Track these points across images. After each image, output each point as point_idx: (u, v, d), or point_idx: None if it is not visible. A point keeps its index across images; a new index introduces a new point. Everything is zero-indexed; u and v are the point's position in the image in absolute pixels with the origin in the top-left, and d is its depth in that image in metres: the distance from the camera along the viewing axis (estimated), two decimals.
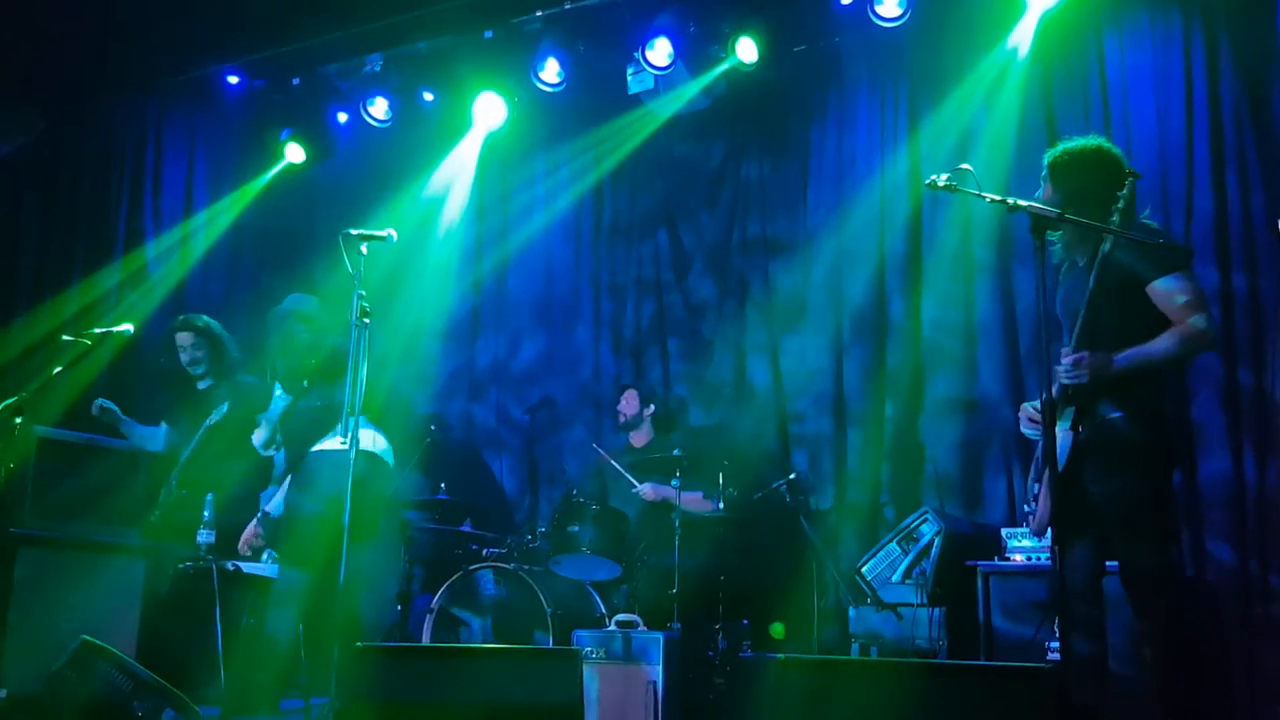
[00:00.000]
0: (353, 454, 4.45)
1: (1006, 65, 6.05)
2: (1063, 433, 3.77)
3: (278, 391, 5.38)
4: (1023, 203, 3.64)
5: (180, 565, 5.28)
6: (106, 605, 5.56)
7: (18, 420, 5.20)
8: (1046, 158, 4.06)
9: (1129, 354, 3.73)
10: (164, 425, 6.06)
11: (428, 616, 5.66)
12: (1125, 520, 3.73)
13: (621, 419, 6.55)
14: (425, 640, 5.60)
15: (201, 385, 5.94)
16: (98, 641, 4.37)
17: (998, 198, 3.72)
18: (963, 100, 6.16)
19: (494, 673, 3.73)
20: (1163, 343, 3.71)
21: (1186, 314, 3.69)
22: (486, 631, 5.71)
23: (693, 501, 6.02)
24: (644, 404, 6.54)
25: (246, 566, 5.19)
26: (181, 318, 6.05)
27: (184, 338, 5.93)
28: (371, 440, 5.07)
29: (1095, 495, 3.76)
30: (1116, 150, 3.98)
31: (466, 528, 6.46)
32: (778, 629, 5.21)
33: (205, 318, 6.07)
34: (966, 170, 3.81)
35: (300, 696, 5.23)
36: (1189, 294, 3.71)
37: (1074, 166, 3.92)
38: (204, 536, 4.98)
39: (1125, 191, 3.77)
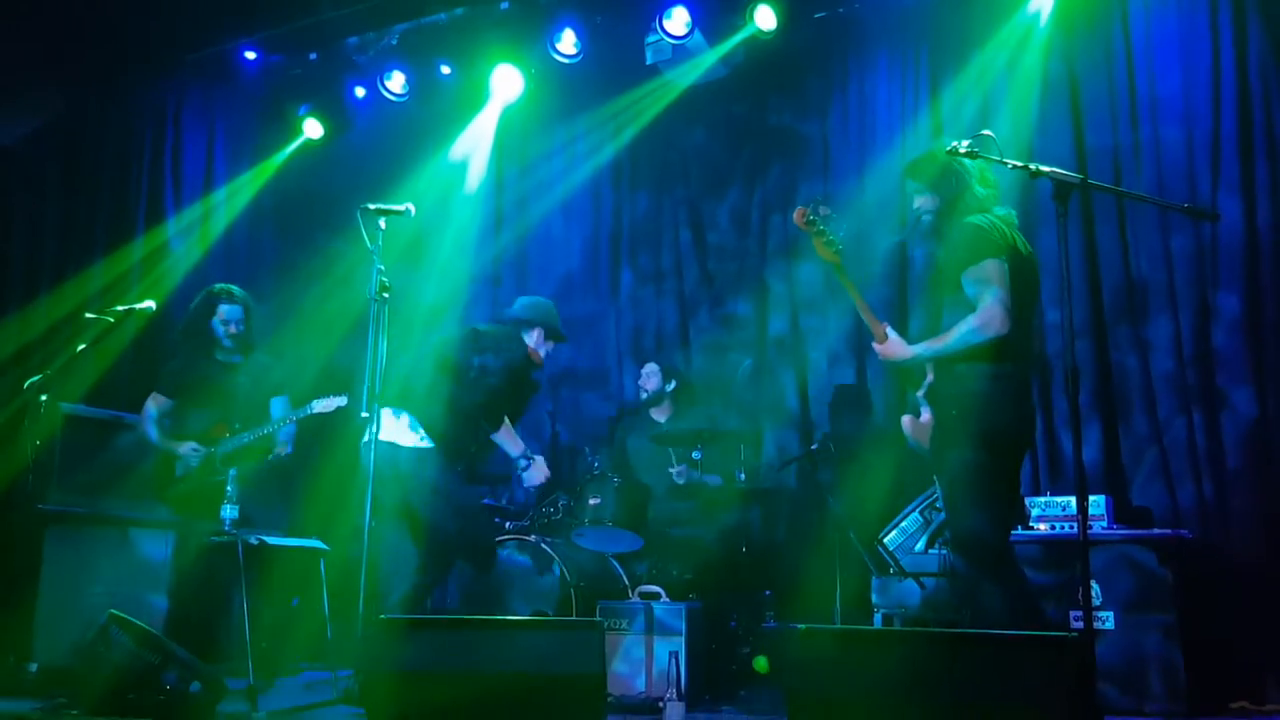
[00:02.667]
0: (374, 430, 4.47)
1: (1028, 30, 5.97)
2: (925, 413, 3.95)
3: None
4: (1045, 168, 3.61)
5: (206, 540, 5.31)
6: (134, 580, 5.63)
7: (43, 398, 5.26)
8: (908, 172, 4.08)
9: (924, 343, 3.88)
10: (160, 402, 5.83)
11: (451, 587, 5.69)
12: (947, 496, 3.84)
13: (644, 394, 6.55)
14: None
15: (221, 357, 5.75)
16: (126, 616, 4.43)
17: (1020, 164, 3.71)
18: (984, 66, 6.08)
19: (517, 644, 3.74)
20: (956, 330, 3.75)
21: (980, 302, 3.71)
22: (508, 604, 5.73)
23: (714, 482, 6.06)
24: (666, 379, 6.53)
25: (271, 539, 5.22)
26: (222, 287, 5.80)
27: (227, 310, 5.71)
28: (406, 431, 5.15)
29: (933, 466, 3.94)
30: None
31: (489, 500, 6.48)
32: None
33: (242, 291, 5.86)
34: (988, 136, 3.80)
35: (325, 668, 5.30)
36: (987, 280, 3.71)
37: (949, 171, 3.89)
38: (228, 511, 5.00)
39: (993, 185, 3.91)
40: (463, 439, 5.21)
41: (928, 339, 3.90)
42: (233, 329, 5.69)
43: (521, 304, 5.63)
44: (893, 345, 3.92)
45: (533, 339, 5.50)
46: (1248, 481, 5.18)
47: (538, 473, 5.39)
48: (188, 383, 5.70)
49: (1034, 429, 4.00)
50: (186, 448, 5.55)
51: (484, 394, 5.21)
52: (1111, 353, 5.68)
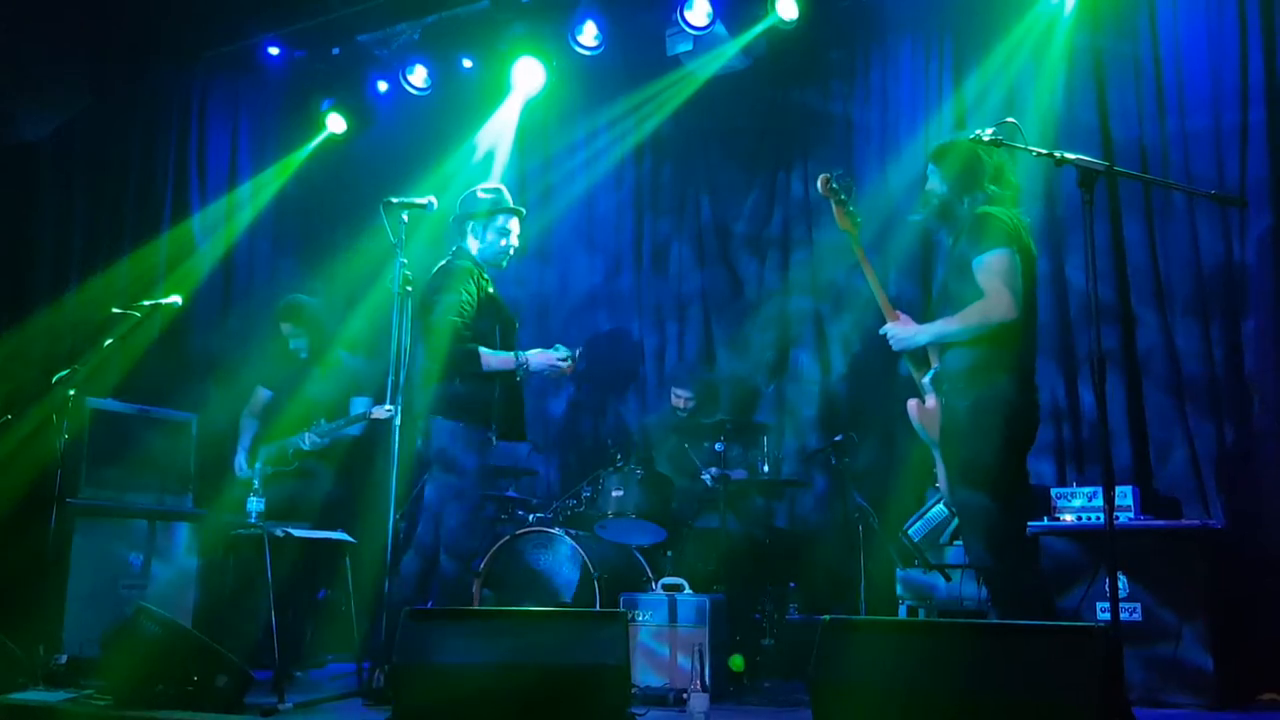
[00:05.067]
0: (397, 421, 4.50)
1: (1053, 16, 5.91)
2: (931, 398, 4.00)
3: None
4: (1070, 156, 3.59)
5: (232, 532, 5.36)
6: (162, 572, 5.68)
7: (71, 393, 5.31)
8: (930, 153, 4.16)
9: (931, 326, 3.96)
10: (265, 391, 6.26)
11: (474, 581, 5.71)
12: (961, 528, 3.97)
13: (680, 414, 6.54)
14: (474, 604, 5.64)
15: (305, 356, 6.16)
16: (153, 608, 4.47)
17: (1044, 151, 3.70)
18: (1008, 53, 6.03)
19: (541, 635, 3.75)
20: (965, 314, 3.82)
21: (989, 289, 3.77)
22: (532, 595, 5.75)
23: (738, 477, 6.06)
24: (697, 396, 6.53)
25: (297, 531, 5.25)
26: (284, 303, 6.21)
27: (285, 327, 6.14)
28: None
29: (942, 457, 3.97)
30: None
31: (512, 493, 6.50)
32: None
33: (302, 300, 6.21)
34: (1012, 124, 3.79)
35: (351, 660, 5.32)
36: (996, 270, 3.76)
37: (966, 161, 3.95)
38: (254, 504, 5.04)
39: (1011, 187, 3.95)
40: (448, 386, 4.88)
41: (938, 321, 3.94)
42: (292, 344, 6.12)
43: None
44: (902, 325, 3.98)
45: (477, 236, 5.07)
46: (1278, 472, 5.13)
47: (541, 360, 5.04)
48: (279, 379, 6.16)
49: (1038, 418, 4.02)
50: (238, 461, 6.02)
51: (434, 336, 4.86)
52: (1139, 343, 5.63)
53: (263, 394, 6.24)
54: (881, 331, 4.11)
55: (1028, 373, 3.92)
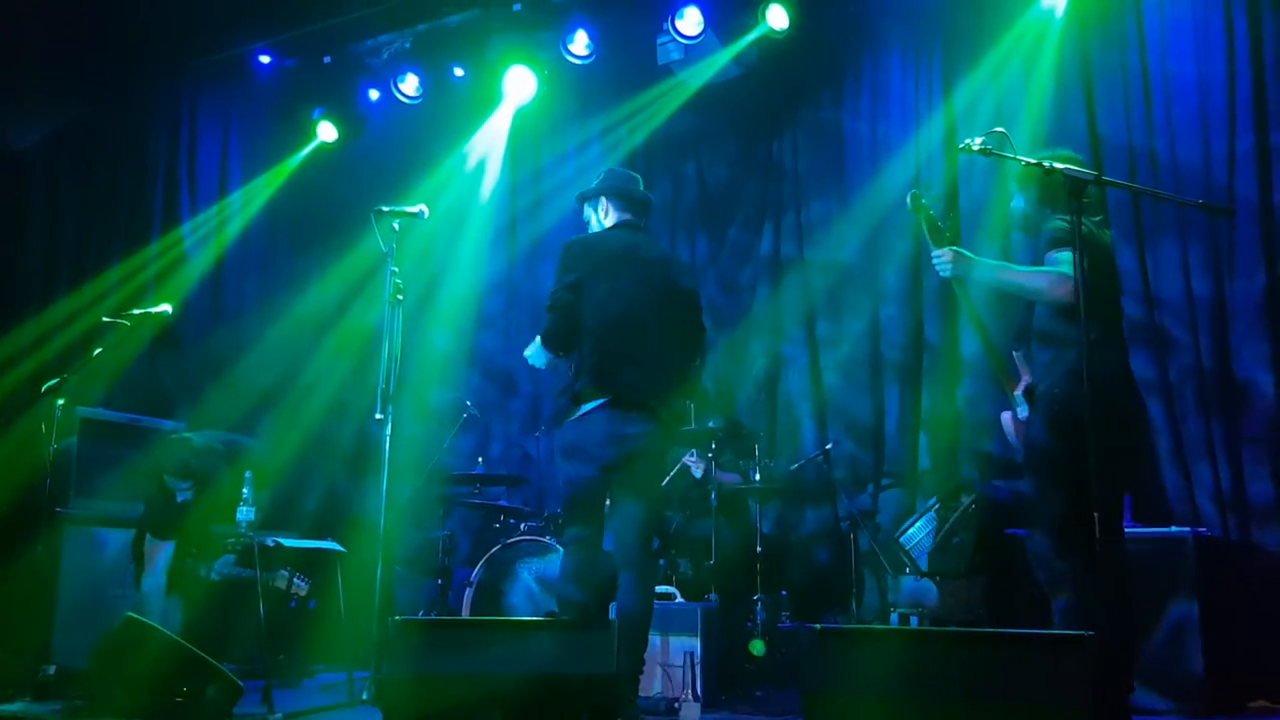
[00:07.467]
0: (388, 430, 4.49)
1: (1042, 25, 5.94)
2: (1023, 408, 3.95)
3: None
4: (1059, 165, 3.59)
5: (223, 542, 5.34)
6: (151, 582, 5.65)
7: (60, 402, 5.29)
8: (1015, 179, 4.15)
9: (995, 263, 4.05)
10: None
11: (467, 590, 5.70)
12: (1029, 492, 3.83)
13: None
14: (465, 613, 5.64)
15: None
16: (143, 618, 4.45)
17: (1034, 160, 3.69)
18: (998, 62, 6.06)
19: (531, 644, 3.74)
20: (1030, 273, 3.82)
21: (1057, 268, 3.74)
22: (525, 604, 5.74)
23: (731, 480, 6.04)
24: None
25: (287, 541, 5.24)
26: (170, 461, 5.63)
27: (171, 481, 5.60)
28: None
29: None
30: (1078, 156, 3.93)
31: (504, 501, 6.49)
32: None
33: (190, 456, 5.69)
34: (1001, 133, 3.78)
35: (341, 670, 5.31)
36: (1061, 261, 3.71)
37: (1042, 183, 3.95)
38: (244, 513, 5.01)
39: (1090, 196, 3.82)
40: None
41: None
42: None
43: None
44: (954, 255, 3.90)
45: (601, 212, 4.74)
46: (1267, 476, 5.14)
47: None
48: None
49: (1126, 417, 3.77)
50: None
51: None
52: (1129, 344, 5.62)
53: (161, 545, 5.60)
54: (933, 254, 3.96)
55: (1104, 378, 3.62)
